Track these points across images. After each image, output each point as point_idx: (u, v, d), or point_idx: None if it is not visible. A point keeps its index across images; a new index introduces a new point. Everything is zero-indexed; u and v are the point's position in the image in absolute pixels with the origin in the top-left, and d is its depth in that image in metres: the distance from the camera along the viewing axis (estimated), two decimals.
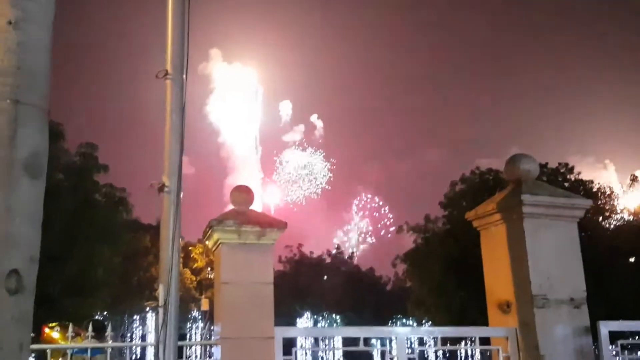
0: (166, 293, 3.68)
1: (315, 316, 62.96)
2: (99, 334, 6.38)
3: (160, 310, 3.64)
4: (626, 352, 6.43)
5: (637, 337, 7.58)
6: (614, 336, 6.32)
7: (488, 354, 6.34)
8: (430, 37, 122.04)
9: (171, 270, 3.75)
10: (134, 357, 38.04)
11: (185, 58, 4.17)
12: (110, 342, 5.70)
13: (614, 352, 6.33)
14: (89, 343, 5.74)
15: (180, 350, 5.35)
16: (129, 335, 46.12)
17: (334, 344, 17.94)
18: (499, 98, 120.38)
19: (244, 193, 6.11)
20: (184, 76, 4.15)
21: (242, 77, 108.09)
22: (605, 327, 6.10)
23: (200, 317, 49.10)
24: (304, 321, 62.21)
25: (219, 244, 5.73)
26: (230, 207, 6.06)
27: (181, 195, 4.03)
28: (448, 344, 22.80)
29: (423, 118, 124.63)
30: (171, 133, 4.12)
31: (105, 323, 6.66)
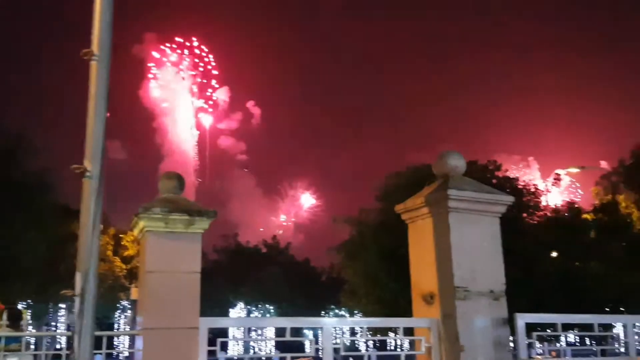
0: (84, 281, 3.57)
1: (249, 306, 62.71)
2: (15, 322, 6.13)
3: (77, 300, 3.52)
4: (545, 343, 6.69)
5: (551, 329, 7.90)
6: (531, 328, 6.57)
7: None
8: (366, 34, 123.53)
9: (90, 258, 3.64)
10: (58, 346, 36.86)
11: (110, 38, 4.03)
12: (26, 330, 5.49)
13: (530, 343, 6.57)
14: (4, 331, 5.51)
15: (100, 340, 5.22)
16: (53, 324, 44.67)
17: (266, 335, 17.95)
18: (434, 96, 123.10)
19: (173, 180, 5.97)
20: (109, 57, 4.01)
21: (178, 62, 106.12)
22: (522, 319, 6.34)
23: (129, 306, 48.09)
24: (237, 311, 61.92)
25: (145, 231, 5.60)
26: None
27: (104, 181, 3.92)
28: (379, 335, 23.20)
29: (360, 112, 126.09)
30: (95, 116, 3.98)
31: (22, 311, 6.42)
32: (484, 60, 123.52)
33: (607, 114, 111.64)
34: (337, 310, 58.27)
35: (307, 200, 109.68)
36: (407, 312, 8.44)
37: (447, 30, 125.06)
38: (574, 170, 37.56)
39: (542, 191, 31.32)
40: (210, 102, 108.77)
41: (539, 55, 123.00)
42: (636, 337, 7.41)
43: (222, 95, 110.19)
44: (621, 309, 29.70)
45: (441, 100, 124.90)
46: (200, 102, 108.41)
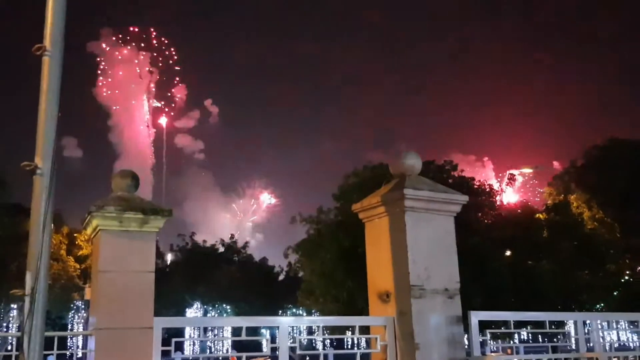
0: (34, 280, 3.49)
1: (205, 306, 62.09)
2: None
3: (27, 299, 3.45)
4: (499, 340, 6.83)
5: (505, 327, 8.07)
6: (485, 325, 6.70)
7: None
8: (319, 35, 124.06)
9: (40, 257, 3.57)
10: (9, 347, 35.88)
11: (64, 33, 3.95)
12: None
13: (483, 340, 6.69)
14: None
15: (51, 341, 5.11)
16: (4, 325, 43.43)
17: (223, 334, 17.82)
18: (390, 96, 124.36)
19: (127, 178, 5.89)
20: (62, 52, 3.93)
21: (134, 58, 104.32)
22: (476, 317, 6.46)
23: (83, 306, 47.11)
24: (194, 311, 61.31)
25: (98, 230, 5.51)
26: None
27: (55, 179, 3.84)
28: (337, 333, 23.28)
29: (318, 110, 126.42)
30: (46, 113, 3.91)
31: None
32: (439, 61, 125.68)
33: (558, 116, 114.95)
34: (294, 310, 58.22)
35: (266, 199, 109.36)
36: (364, 311, 8.51)
37: (400, 30, 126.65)
38: (528, 170, 38.52)
39: (497, 191, 31.96)
40: (171, 103, 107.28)
41: (493, 58, 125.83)
42: (586, 334, 7.62)
43: (179, 92, 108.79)
44: (572, 306, 30.54)
45: (398, 101, 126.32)
46: (157, 100, 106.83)
